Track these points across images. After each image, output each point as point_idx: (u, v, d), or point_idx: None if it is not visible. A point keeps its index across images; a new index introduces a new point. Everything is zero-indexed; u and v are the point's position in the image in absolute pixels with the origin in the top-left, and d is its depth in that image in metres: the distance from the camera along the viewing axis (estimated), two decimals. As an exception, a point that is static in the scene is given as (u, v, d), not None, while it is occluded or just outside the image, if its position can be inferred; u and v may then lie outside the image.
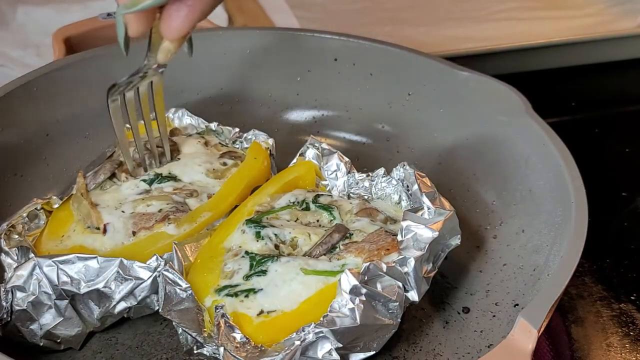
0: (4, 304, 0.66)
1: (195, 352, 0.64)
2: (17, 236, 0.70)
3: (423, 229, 0.66)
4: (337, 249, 0.68)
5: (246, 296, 0.65)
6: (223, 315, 0.62)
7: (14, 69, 1.05)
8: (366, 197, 0.76)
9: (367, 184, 0.76)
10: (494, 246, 0.78)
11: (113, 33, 0.81)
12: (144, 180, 0.75)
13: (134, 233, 0.70)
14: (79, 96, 0.86)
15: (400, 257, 0.65)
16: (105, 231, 0.70)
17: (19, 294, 0.65)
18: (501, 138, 0.83)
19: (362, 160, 0.89)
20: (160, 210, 0.72)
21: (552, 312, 0.61)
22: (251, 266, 0.67)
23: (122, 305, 0.67)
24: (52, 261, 0.65)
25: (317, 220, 0.73)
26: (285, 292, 0.65)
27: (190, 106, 0.87)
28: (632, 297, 0.82)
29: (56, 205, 0.74)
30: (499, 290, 0.74)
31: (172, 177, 0.76)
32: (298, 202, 0.74)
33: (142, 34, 0.58)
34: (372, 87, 0.93)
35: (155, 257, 0.67)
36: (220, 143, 0.82)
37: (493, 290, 0.74)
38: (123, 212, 0.72)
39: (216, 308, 0.63)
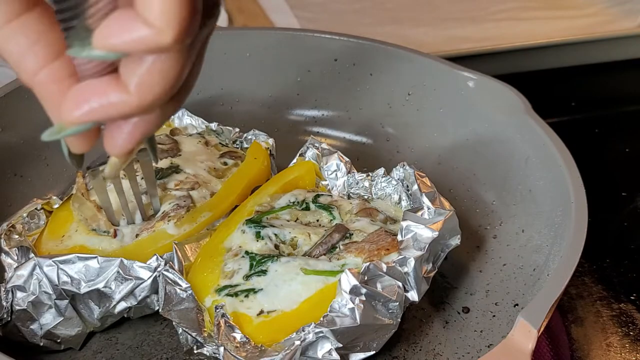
0: (4, 303, 0.66)
1: (195, 352, 0.64)
2: (17, 236, 0.70)
3: (423, 229, 0.66)
4: (337, 249, 0.68)
5: (246, 296, 0.65)
6: (223, 315, 0.62)
7: (14, 69, 1.05)
8: (366, 197, 0.76)
9: (367, 184, 0.76)
10: (494, 246, 0.78)
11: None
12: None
13: (137, 236, 0.70)
14: (79, 96, 0.86)
15: (400, 257, 0.65)
16: (115, 236, 0.70)
17: (19, 294, 0.65)
18: (501, 138, 0.83)
19: (362, 160, 0.89)
20: (162, 212, 0.72)
21: (552, 312, 0.61)
22: (251, 266, 0.67)
23: (122, 305, 0.67)
24: (52, 261, 0.65)
25: (317, 220, 0.73)
26: (285, 292, 0.65)
27: (190, 106, 0.86)
28: (632, 297, 0.82)
29: (56, 205, 0.74)
30: (499, 290, 0.74)
31: (174, 168, 0.76)
32: (298, 202, 0.74)
33: (86, 150, 0.49)
34: (372, 87, 0.93)
35: (155, 257, 0.67)
36: (220, 143, 0.82)
37: (493, 290, 0.74)
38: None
39: (216, 308, 0.63)
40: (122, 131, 0.45)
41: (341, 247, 0.69)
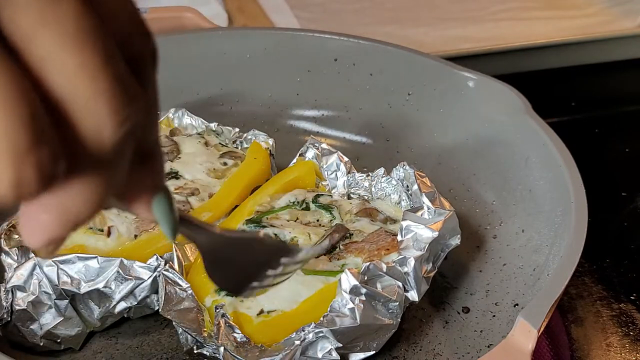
0: (4, 304, 0.66)
1: (195, 352, 0.64)
2: (17, 236, 0.70)
3: (423, 229, 0.66)
4: (337, 249, 0.69)
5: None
6: (223, 315, 0.62)
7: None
8: (366, 197, 0.76)
9: (367, 184, 0.76)
10: (494, 246, 0.78)
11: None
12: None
13: (135, 236, 0.70)
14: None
15: (400, 257, 0.65)
16: (109, 234, 0.70)
17: (19, 294, 0.65)
18: (501, 138, 0.83)
19: (362, 160, 0.89)
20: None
21: (552, 312, 0.61)
22: (251, 266, 0.67)
23: (122, 305, 0.67)
24: (52, 261, 0.65)
25: (317, 220, 0.73)
26: (286, 291, 0.65)
27: (190, 106, 0.86)
28: (632, 297, 0.82)
29: (56, 205, 0.74)
30: (499, 290, 0.74)
31: (173, 174, 0.76)
32: (298, 202, 0.74)
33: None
34: (372, 87, 0.93)
35: (155, 257, 0.67)
36: (220, 143, 0.82)
37: (493, 290, 0.74)
38: (126, 217, 0.72)
39: (216, 308, 0.63)
40: (38, 221, 0.32)
41: (341, 247, 0.69)
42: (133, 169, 0.33)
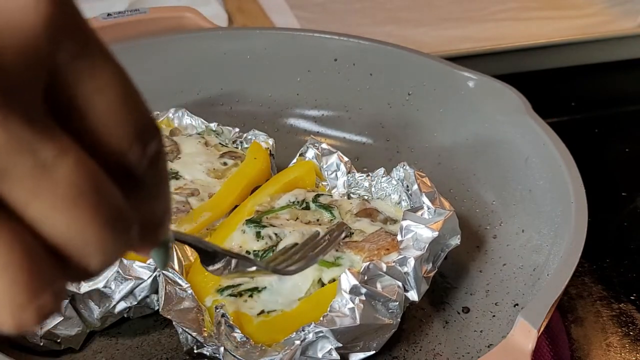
0: (4, 303, 0.66)
1: (195, 352, 0.64)
2: (17, 236, 0.70)
3: (423, 229, 0.66)
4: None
5: (250, 295, 0.65)
6: (223, 315, 0.62)
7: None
8: (366, 197, 0.76)
9: (367, 184, 0.76)
10: (494, 246, 0.78)
11: (113, 34, 0.80)
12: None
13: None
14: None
15: (400, 256, 0.65)
16: None
17: (19, 294, 0.65)
18: (501, 138, 0.83)
19: (362, 160, 0.89)
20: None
21: (552, 312, 0.61)
22: (252, 265, 0.67)
23: (122, 305, 0.67)
24: (52, 261, 0.65)
25: (317, 220, 0.73)
26: (289, 287, 0.65)
27: (190, 106, 0.86)
28: (632, 297, 0.82)
29: (56, 205, 0.74)
30: (498, 290, 0.74)
31: (173, 174, 0.76)
32: (298, 202, 0.74)
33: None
34: (372, 87, 0.93)
35: (155, 257, 0.67)
36: (220, 143, 0.82)
37: (493, 290, 0.74)
38: None
39: (216, 308, 0.63)
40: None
41: (341, 244, 0.69)
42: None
